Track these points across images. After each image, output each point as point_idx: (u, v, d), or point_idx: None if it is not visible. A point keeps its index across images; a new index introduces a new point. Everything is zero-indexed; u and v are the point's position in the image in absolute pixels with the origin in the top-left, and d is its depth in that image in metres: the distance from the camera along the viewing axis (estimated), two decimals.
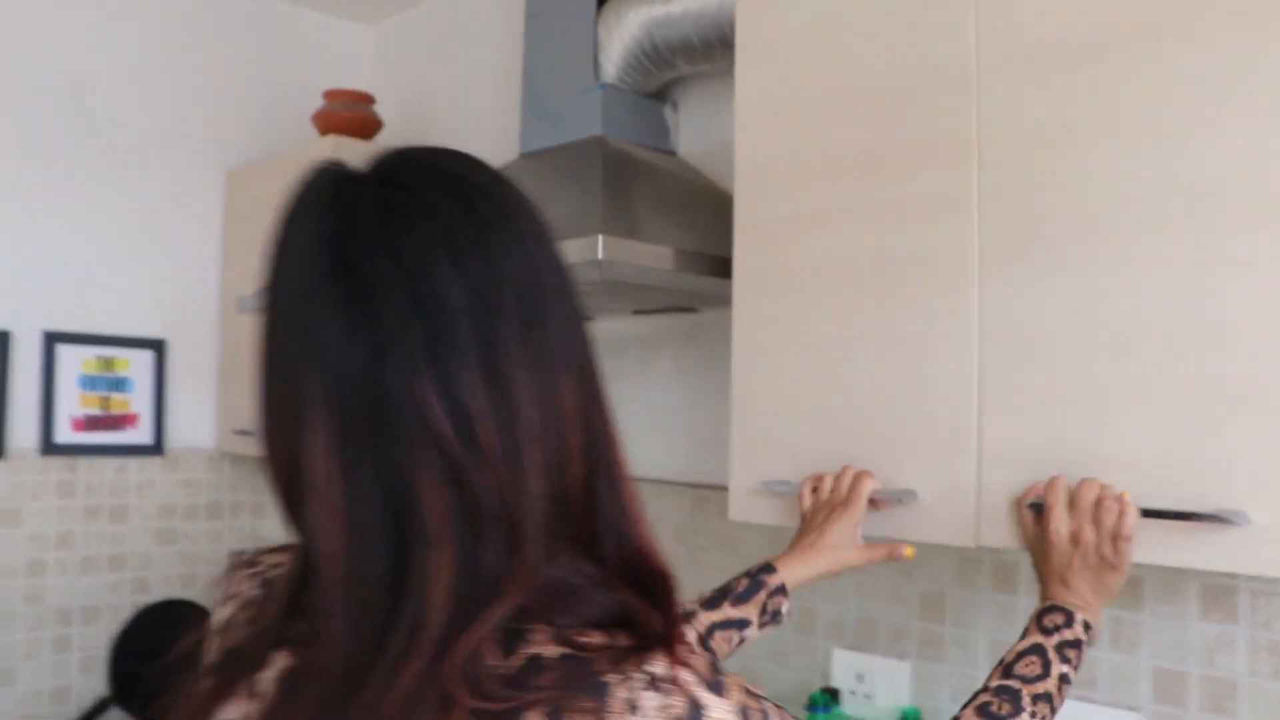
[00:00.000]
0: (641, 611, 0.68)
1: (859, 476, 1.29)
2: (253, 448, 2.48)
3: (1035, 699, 1.08)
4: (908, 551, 1.26)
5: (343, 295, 0.66)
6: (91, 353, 2.50)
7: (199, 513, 2.68)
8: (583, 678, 0.64)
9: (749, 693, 0.68)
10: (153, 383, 2.59)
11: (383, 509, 0.66)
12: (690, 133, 2.00)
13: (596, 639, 0.66)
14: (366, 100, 2.40)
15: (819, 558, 1.26)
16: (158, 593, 2.62)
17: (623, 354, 2.12)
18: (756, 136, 1.41)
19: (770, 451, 1.36)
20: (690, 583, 1.91)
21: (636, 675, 0.64)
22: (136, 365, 2.57)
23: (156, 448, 2.59)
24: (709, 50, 1.72)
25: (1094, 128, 1.10)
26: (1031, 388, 1.13)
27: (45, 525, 2.44)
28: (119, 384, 2.55)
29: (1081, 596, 1.13)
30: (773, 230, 1.38)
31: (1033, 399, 1.13)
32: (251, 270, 2.26)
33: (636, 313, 1.99)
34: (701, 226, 1.48)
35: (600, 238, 1.32)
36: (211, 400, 2.68)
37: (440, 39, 2.70)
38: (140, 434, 2.57)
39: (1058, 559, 1.15)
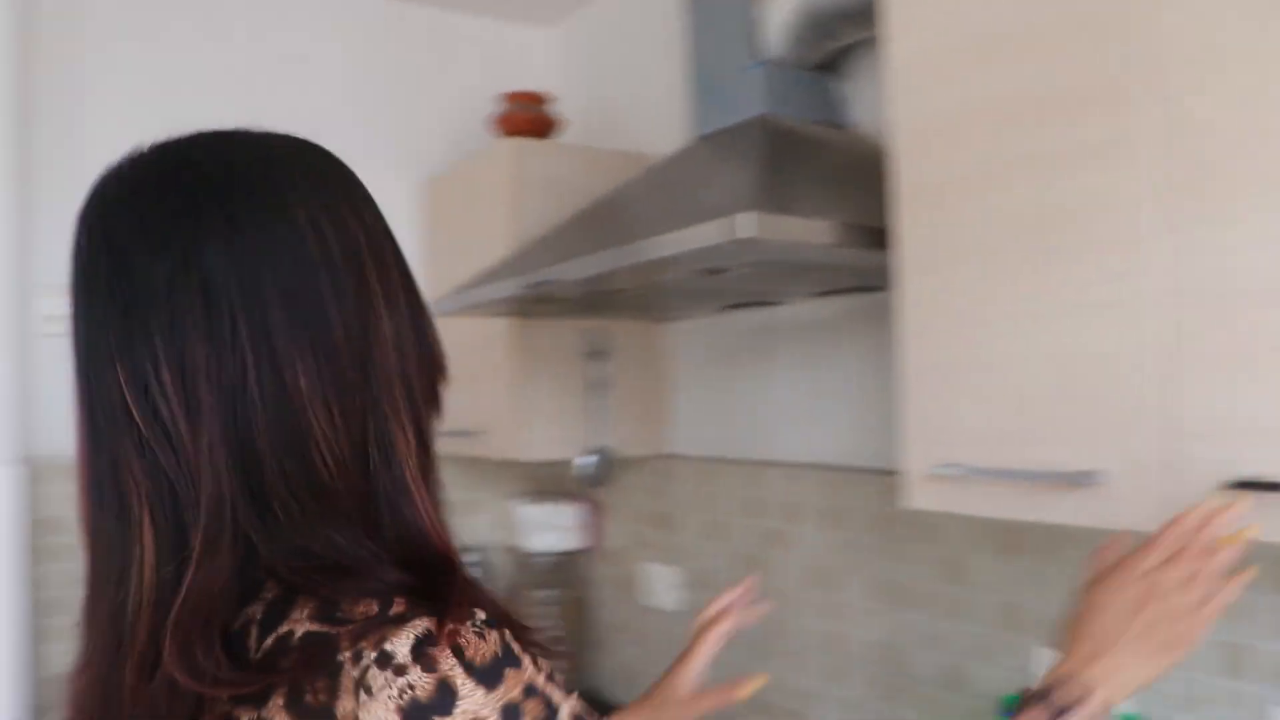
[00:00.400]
0: (414, 589, 0.67)
1: (705, 625, 1.32)
2: (469, 448, 2.54)
3: None
4: (742, 693, 1.25)
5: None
6: None
7: None
8: (322, 657, 0.63)
9: (537, 694, 0.66)
10: None
11: (109, 495, 0.70)
12: (864, 103, 1.90)
13: (361, 610, 0.65)
14: (542, 100, 2.41)
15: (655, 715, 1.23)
16: None
17: (808, 338, 2.04)
18: (911, 93, 1.31)
19: (943, 434, 1.26)
20: (887, 575, 1.82)
21: (370, 653, 0.63)
22: None
23: None
24: (868, 15, 1.62)
25: None
26: (1235, 350, 1.00)
27: None
28: None
29: (1113, 666, 0.94)
30: (935, 194, 1.28)
31: (1237, 363, 0.99)
32: (452, 276, 2.31)
33: (821, 294, 1.91)
34: (875, 198, 1.39)
35: (739, 217, 1.25)
36: None
37: (615, 34, 2.69)
38: None
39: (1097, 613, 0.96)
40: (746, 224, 1.26)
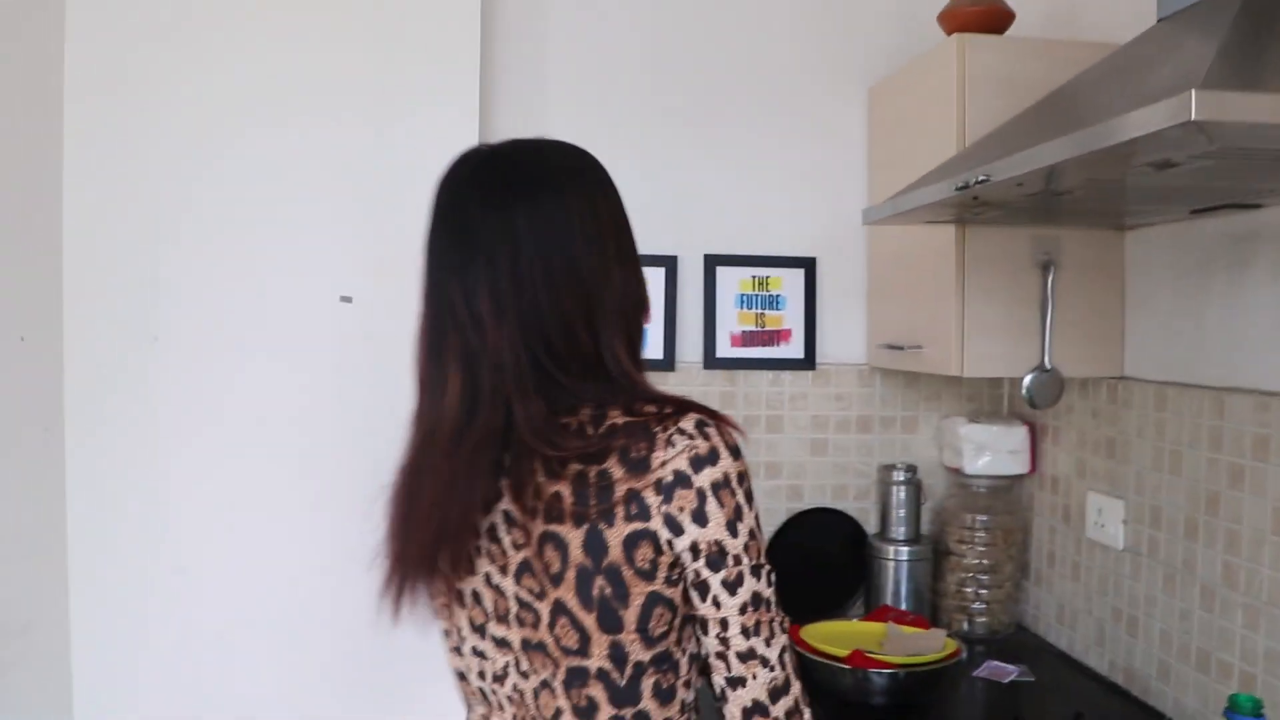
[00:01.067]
0: (689, 403, 1.14)
1: None
2: (903, 363, 2.47)
3: None
4: None
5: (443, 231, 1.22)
6: (747, 273, 2.67)
7: (849, 426, 2.74)
8: (641, 430, 1.11)
9: (748, 480, 1.14)
10: (803, 300, 2.69)
11: (434, 356, 1.20)
12: None
13: (651, 409, 1.13)
14: None
15: None
16: (809, 500, 2.73)
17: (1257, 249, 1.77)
18: None
19: None
20: None
21: (673, 426, 1.11)
22: (788, 283, 2.68)
23: (808, 362, 2.69)
24: None
25: None
26: None
27: None
28: (773, 301, 2.68)
29: None
30: None
31: None
32: (894, 184, 2.24)
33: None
34: None
35: (1182, 97, 1.09)
36: (860, 315, 2.72)
37: None
38: (792, 349, 2.69)
39: None
40: (1186, 106, 1.09)
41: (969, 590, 2.58)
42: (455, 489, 1.14)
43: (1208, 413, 1.96)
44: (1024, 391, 2.16)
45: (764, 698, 1.11)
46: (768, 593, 1.13)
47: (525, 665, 1.17)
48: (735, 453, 1.12)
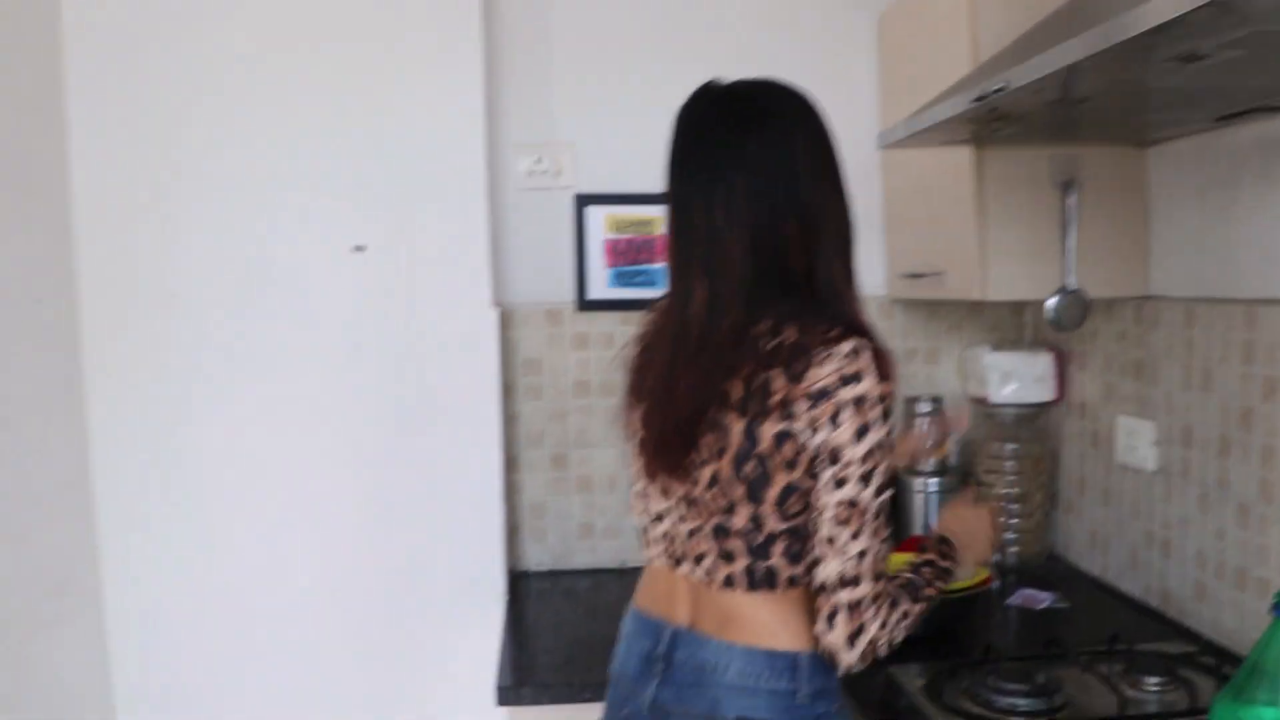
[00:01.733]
0: (857, 324, 1.36)
1: None
2: (924, 291, 2.43)
3: (922, 599, 1.43)
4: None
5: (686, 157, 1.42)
6: None
7: None
8: (803, 349, 1.32)
9: (891, 407, 1.33)
10: None
11: (682, 262, 1.42)
12: None
13: (821, 330, 1.33)
14: None
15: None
16: None
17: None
18: None
19: None
20: None
21: (825, 349, 1.32)
22: None
23: None
24: None
25: None
26: None
27: None
28: None
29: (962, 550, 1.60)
30: None
31: None
32: (907, 111, 2.19)
33: None
34: None
35: None
36: (878, 246, 2.67)
37: None
38: None
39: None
40: None
41: (999, 520, 2.55)
42: (709, 383, 1.36)
43: (1240, 326, 1.92)
44: (1048, 314, 2.12)
45: (833, 580, 1.34)
46: (868, 500, 1.33)
47: (683, 512, 1.45)
48: (882, 377, 1.32)
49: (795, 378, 1.31)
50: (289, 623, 2.37)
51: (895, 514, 2.64)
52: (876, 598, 1.34)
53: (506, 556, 2.47)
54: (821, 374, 1.30)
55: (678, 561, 1.48)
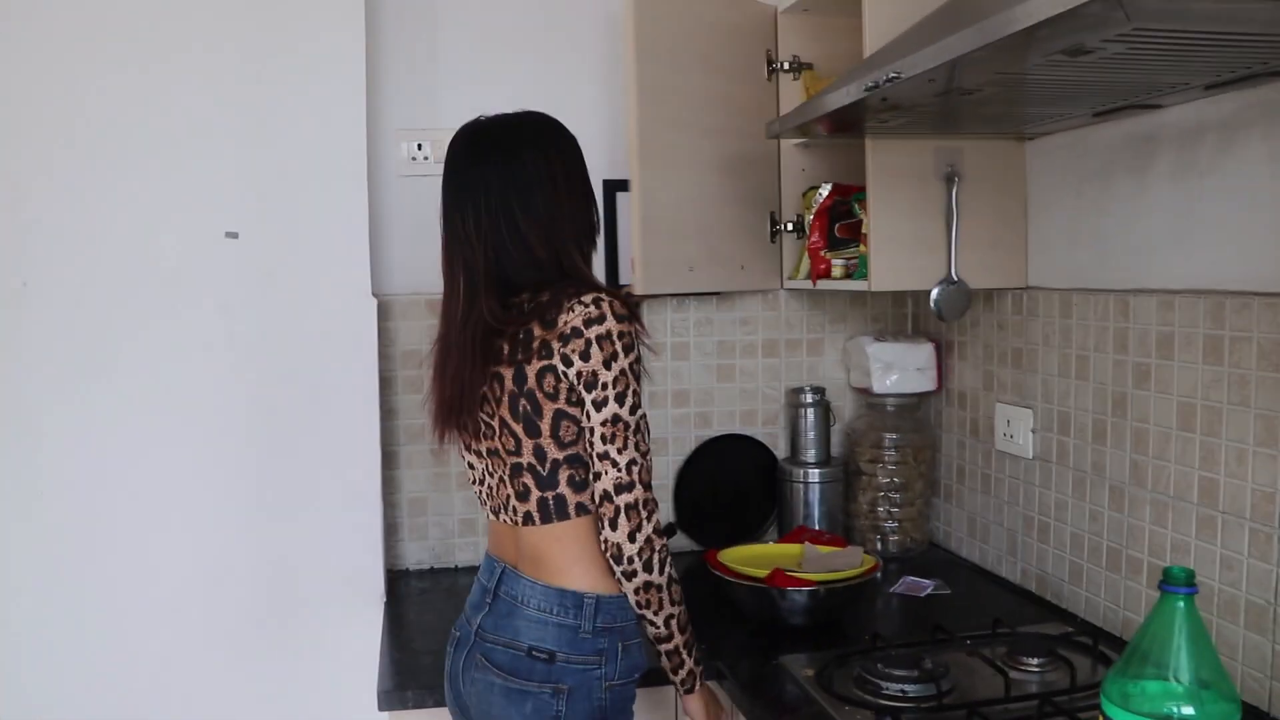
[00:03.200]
0: (597, 285, 1.65)
1: None
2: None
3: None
4: None
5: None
6: None
7: (755, 350, 2.72)
8: (554, 303, 1.58)
9: (635, 348, 1.61)
10: None
11: (447, 266, 1.70)
12: None
13: (570, 290, 1.60)
14: None
15: None
16: (718, 427, 2.70)
17: (1192, 145, 1.77)
18: None
19: None
20: None
21: (575, 298, 1.58)
22: None
23: None
24: None
25: None
26: None
27: None
28: None
29: None
30: None
31: None
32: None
33: (1213, 86, 1.63)
34: None
35: None
36: None
37: None
38: None
39: None
40: None
41: (881, 509, 2.59)
42: (475, 348, 1.62)
43: (1113, 315, 1.97)
44: (932, 304, 2.15)
45: (610, 489, 1.57)
46: (628, 416, 1.58)
47: (490, 466, 1.70)
48: (620, 318, 1.58)
49: (549, 324, 1.57)
50: (160, 625, 2.27)
51: (776, 502, 2.66)
52: (647, 503, 1.59)
53: (385, 555, 2.40)
54: (571, 318, 1.57)
55: (497, 512, 1.72)
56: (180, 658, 2.29)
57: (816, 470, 2.60)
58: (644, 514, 1.59)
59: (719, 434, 2.69)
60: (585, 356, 1.56)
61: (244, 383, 2.27)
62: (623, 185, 2.50)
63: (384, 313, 2.47)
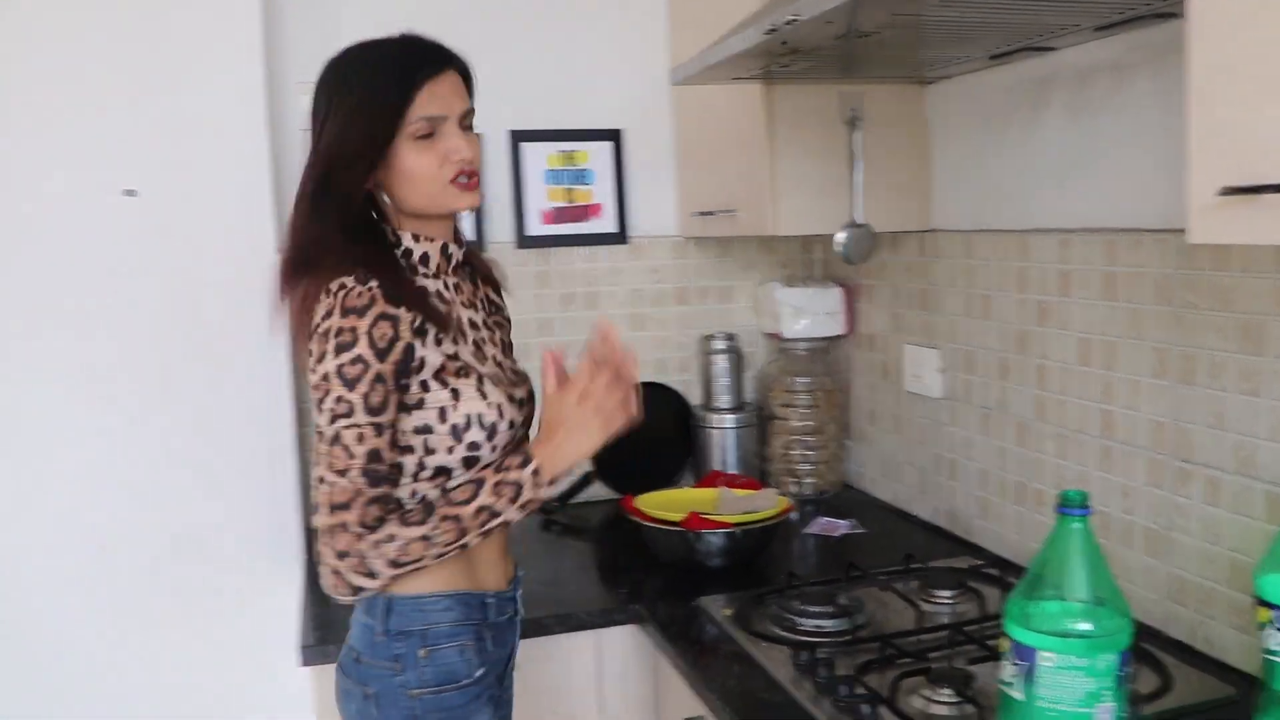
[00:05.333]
0: (345, 270, 1.40)
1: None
2: (716, 228, 2.45)
3: (444, 518, 1.38)
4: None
5: None
6: (554, 148, 2.59)
7: (666, 298, 2.73)
8: (316, 291, 1.39)
9: (361, 335, 1.35)
10: (613, 173, 2.63)
11: None
12: None
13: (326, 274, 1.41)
14: None
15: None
16: None
17: (1084, 86, 1.81)
18: None
19: (1240, 146, 1.05)
20: (1171, 347, 1.62)
21: (325, 291, 1.38)
22: (596, 157, 2.62)
23: (620, 236, 2.66)
24: None
25: None
26: None
27: (526, 313, 2.60)
28: (581, 176, 2.62)
29: (553, 447, 1.42)
30: None
31: None
32: (698, 44, 2.18)
33: (1099, 29, 1.67)
34: None
35: None
36: (670, 185, 2.68)
37: None
38: (604, 223, 2.64)
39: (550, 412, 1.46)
40: None
41: (795, 453, 2.62)
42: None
43: (1013, 255, 2.01)
44: (838, 248, 2.17)
45: (315, 502, 1.38)
46: (325, 426, 1.37)
47: None
48: (344, 312, 1.35)
49: (309, 315, 1.41)
50: (75, 593, 2.22)
51: (691, 448, 2.69)
52: (331, 529, 1.35)
53: (303, 512, 2.38)
54: (318, 312, 1.38)
55: None
56: (98, 624, 2.24)
57: (730, 416, 2.62)
58: (322, 541, 1.37)
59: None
60: (311, 356, 1.38)
61: (149, 347, 2.22)
62: (526, 135, 2.49)
63: None
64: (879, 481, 2.59)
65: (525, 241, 2.60)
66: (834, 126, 2.17)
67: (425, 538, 1.37)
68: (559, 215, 2.61)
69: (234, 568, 2.32)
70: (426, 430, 1.42)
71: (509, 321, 1.76)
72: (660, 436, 2.71)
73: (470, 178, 1.46)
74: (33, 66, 2.12)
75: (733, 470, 2.58)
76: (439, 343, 1.43)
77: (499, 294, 1.75)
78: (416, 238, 1.50)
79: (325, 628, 1.93)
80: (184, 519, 2.28)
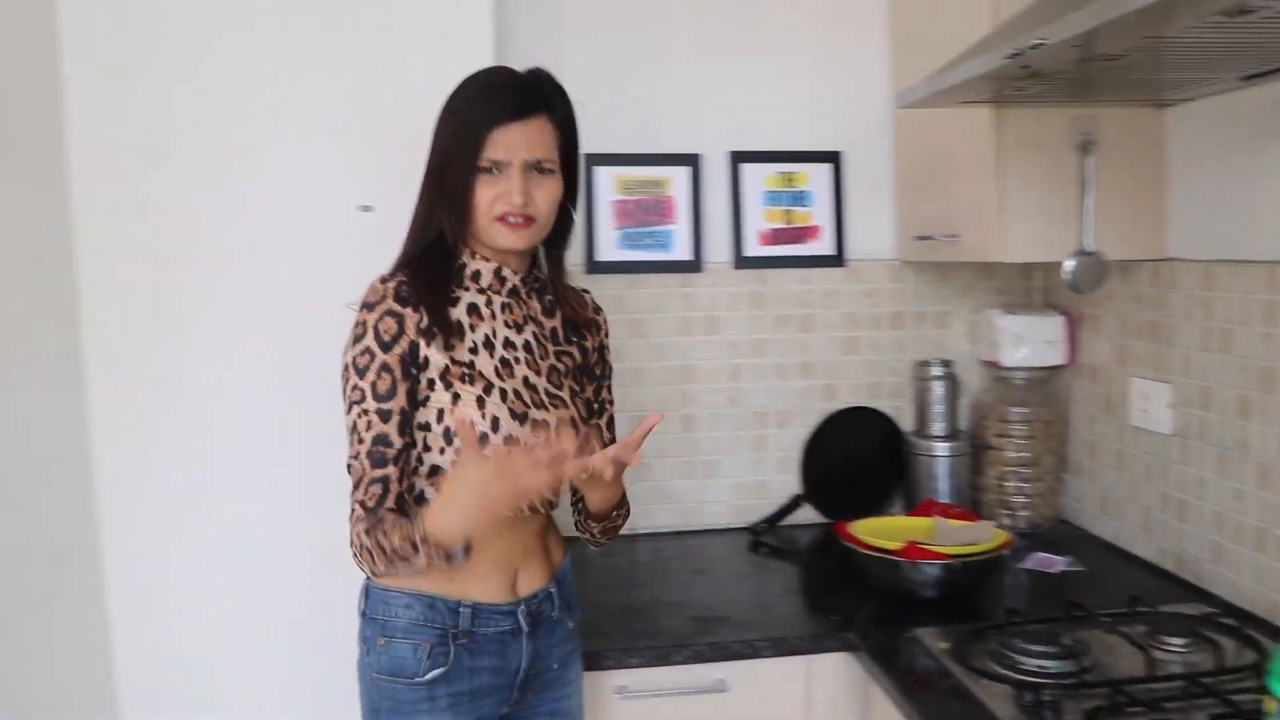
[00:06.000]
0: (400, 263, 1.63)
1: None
2: (936, 253, 2.41)
3: (377, 544, 1.47)
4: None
5: None
6: (773, 169, 2.60)
7: (882, 322, 2.69)
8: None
9: (369, 328, 1.53)
10: (832, 195, 2.62)
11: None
12: None
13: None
14: None
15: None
16: (844, 400, 2.69)
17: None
18: None
19: None
20: None
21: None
22: (815, 178, 2.62)
23: (838, 258, 2.64)
24: None
25: None
26: None
27: (740, 333, 2.62)
28: (800, 198, 2.62)
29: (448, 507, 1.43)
30: None
31: None
32: (921, 69, 2.16)
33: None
34: None
35: None
36: (889, 208, 2.65)
37: None
38: (822, 245, 2.63)
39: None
40: None
41: (1009, 484, 2.55)
42: None
43: (1261, 288, 1.91)
44: (1066, 276, 2.10)
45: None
46: (345, 414, 1.54)
47: None
48: (362, 307, 1.54)
49: None
50: (298, 587, 2.33)
51: (901, 475, 2.64)
52: (351, 510, 1.51)
53: None
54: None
55: None
56: (322, 615, 2.35)
57: (944, 444, 2.57)
58: (350, 517, 1.53)
59: (845, 406, 2.68)
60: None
61: None
62: (745, 156, 2.50)
63: None
64: (1098, 518, 2.49)
65: (742, 262, 2.61)
66: (1063, 151, 2.10)
67: (379, 549, 1.47)
68: (776, 236, 2.61)
69: None
70: (426, 428, 1.55)
71: (585, 355, 1.77)
72: (871, 462, 2.68)
73: (519, 219, 1.57)
74: (284, 90, 2.24)
75: (945, 499, 2.53)
76: (450, 347, 1.55)
77: (581, 331, 1.77)
78: (474, 254, 1.63)
79: None
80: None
